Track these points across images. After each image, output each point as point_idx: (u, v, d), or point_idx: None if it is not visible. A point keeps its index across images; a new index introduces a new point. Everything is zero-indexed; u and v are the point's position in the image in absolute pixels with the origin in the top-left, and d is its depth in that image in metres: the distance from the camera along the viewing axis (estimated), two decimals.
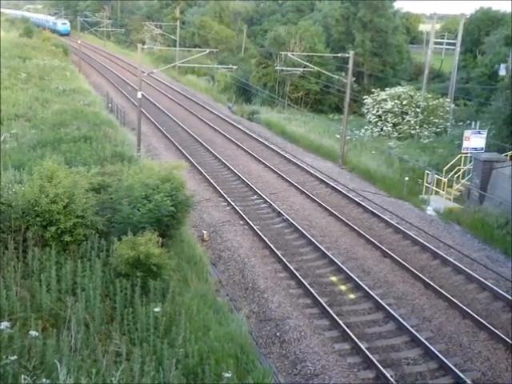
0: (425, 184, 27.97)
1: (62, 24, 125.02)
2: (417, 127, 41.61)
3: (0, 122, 28.91)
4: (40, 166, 15.81)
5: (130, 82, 61.01)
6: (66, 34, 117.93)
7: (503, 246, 22.32)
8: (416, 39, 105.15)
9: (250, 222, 24.14)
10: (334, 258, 20.80)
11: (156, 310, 12.31)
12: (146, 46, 42.40)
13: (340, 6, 68.54)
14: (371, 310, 17.72)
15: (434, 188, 27.34)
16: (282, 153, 35.95)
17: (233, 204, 26.40)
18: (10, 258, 13.55)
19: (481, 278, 19.43)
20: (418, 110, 42.00)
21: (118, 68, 75.77)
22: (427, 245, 22.08)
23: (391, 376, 14.16)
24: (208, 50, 49.27)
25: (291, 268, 19.96)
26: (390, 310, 17.29)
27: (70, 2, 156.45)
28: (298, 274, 19.49)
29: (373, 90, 47.62)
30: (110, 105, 45.26)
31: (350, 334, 15.97)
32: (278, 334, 16.27)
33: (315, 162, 34.60)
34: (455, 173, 28.87)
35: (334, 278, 19.73)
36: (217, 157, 34.88)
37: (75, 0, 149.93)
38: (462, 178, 29.03)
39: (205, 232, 22.85)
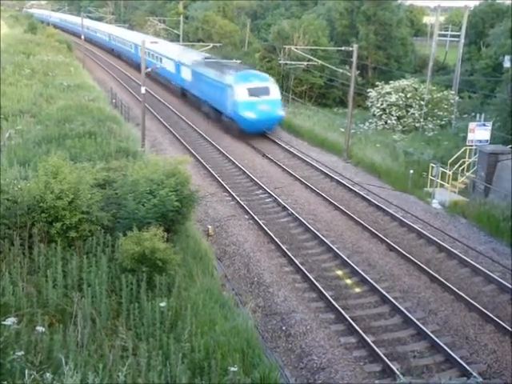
0: (430, 177, 27.90)
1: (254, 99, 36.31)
2: (421, 120, 41.48)
3: None
4: (45, 162, 15.79)
5: (134, 78, 60.97)
6: (270, 126, 37.83)
7: (509, 238, 22.25)
8: (420, 32, 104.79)
9: (255, 217, 24.15)
10: (339, 252, 20.80)
11: (162, 304, 12.33)
12: (149, 41, 42.34)
13: None
14: (377, 304, 17.73)
15: (439, 181, 27.27)
16: (287, 147, 35.90)
17: (237, 199, 26.41)
18: (16, 254, 13.58)
19: (487, 271, 19.41)
20: (423, 102, 41.85)
21: (121, 63, 75.71)
22: (433, 238, 22.06)
23: (397, 369, 14.18)
24: (212, 45, 49.33)
25: (297, 262, 19.98)
26: (396, 304, 17.30)
27: None
28: (303, 268, 19.52)
29: (377, 83, 47.44)
30: (114, 100, 45.25)
31: (356, 327, 15.98)
32: (283, 328, 16.30)
33: (320, 156, 34.57)
34: (460, 165, 28.78)
35: (339, 272, 19.74)
36: (221, 151, 34.86)
37: None
38: (467, 171, 28.93)
39: (210, 227, 22.87)
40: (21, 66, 45.82)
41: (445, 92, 43.36)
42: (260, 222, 23.55)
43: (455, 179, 28.23)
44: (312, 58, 44.70)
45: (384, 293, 17.92)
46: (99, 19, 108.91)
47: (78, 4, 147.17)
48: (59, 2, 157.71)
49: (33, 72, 44.46)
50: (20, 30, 78.72)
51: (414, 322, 16.37)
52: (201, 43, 65.65)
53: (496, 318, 16.49)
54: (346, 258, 20.32)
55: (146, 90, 34.13)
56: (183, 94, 50.74)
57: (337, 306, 17.13)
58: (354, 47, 34.41)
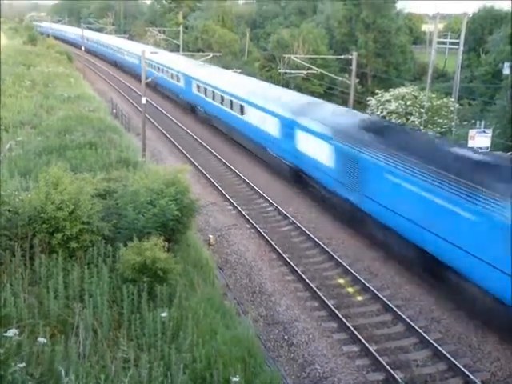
0: None
1: None
2: (421, 127, 41.53)
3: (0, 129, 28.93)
4: (46, 172, 15.79)
5: (135, 88, 61.13)
6: None
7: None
8: (419, 39, 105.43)
9: (257, 226, 24.13)
10: (340, 260, 20.76)
11: (163, 314, 12.29)
12: (149, 52, 42.42)
13: (343, 7, 68.57)
14: (379, 312, 17.68)
15: None
16: None
17: (238, 207, 26.39)
18: (18, 265, 13.54)
19: None
20: (423, 110, 41.91)
21: (121, 74, 75.91)
22: None
23: (401, 378, 14.12)
24: (211, 54, 49.42)
25: (298, 271, 19.94)
26: (399, 312, 17.24)
27: (74, 8, 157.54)
28: (305, 277, 19.48)
29: (376, 90, 47.59)
30: (114, 111, 45.34)
31: (359, 336, 15.93)
32: (285, 337, 16.25)
33: None
34: None
35: (341, 280, 19.69)
36: (221, 160, 34.87)
37: (78, 2, 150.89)
38: None
39: (211, 236, 22.85)
40: (21, 77, 45.86)
41: (444, 99, 43.42)
42: (261, 231, 23.53)
43: None
44: (311, 66, 44.83)
45: (386, 301, 17.88)
46: (99, 30, 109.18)
47: (78, 15, 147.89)
48: (59, 13, 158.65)
49: (33, 83, 44.50)
50: (19, 42, 78.86)
51: (416, 330, 16.32)
52: (201, 53, 65.88)
53: (499, 326, 16.41)
54: (347, 266, 20.28)
55: (146, 100, 34.21)
56: (303, 182, 28.40)
57: (339, 314, 17.09)
58: (354, 55, 34.57)
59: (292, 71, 52.86)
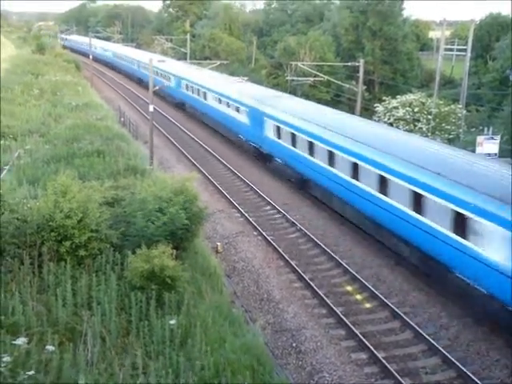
0: None
1: None
2: (429, 134, 41.47)
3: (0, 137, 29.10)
4: (54, 181, 15.85)
5: (142, 96, 61.36)
6: None
7: None
8: (426, 46, 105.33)
9: (264, 233, 24.13)
10: (348, 267, 20.73)
11: (171, 322, 12.30)
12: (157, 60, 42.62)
13: (349, 14, 68.65)
14: (387, 319, 17.62)
15: None
16: None
17: (246, 215, 26.40)
18: (26, 273, 13.59)
19: None
20: (430, 116, 41.86)
21: (129, 82, 76.19)
22: None
23: None
24: (218, 62, 49.51)
25: (306, 278, 19.91)
26: (407, 319, 17.19)
27: (81, 17, 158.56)
28: (312, 284, 19.45)
29: (384, 97, 47.59)
30: (122, 119, 45.48)
31: (367, 343, 15.88)
32: (294, 344, 16.21)
33: None
34: None
35: (349, 287, 19.65)
36: (229, 168, 34.92)
37: (86, 11, 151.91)
38: None
39: (219, 243, 22.86)
40: (29, 86, 46.14)
41: (452, 106, 43.37)
42: (268, 238, 23.52)
43: None
44: (318, 73, 44.87)
45: (394, 308, 17.82)
46: (107, 39, 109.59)
47: (86, 24, 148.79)
48: (66, 22, 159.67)
49: (41, 92, 44.74)
50: (28, 51, 79.26)
51: (424, 337, 16.26)
52: (208, 61, 66.08)
53: (507, 332, 16.33)
54: (355, 274, 20.24)
55: (153, 108, 34.32)
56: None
57: (347, 321, 17.04)
58: (361, 62, 34.58)
59: (299, 78, 52.95)
